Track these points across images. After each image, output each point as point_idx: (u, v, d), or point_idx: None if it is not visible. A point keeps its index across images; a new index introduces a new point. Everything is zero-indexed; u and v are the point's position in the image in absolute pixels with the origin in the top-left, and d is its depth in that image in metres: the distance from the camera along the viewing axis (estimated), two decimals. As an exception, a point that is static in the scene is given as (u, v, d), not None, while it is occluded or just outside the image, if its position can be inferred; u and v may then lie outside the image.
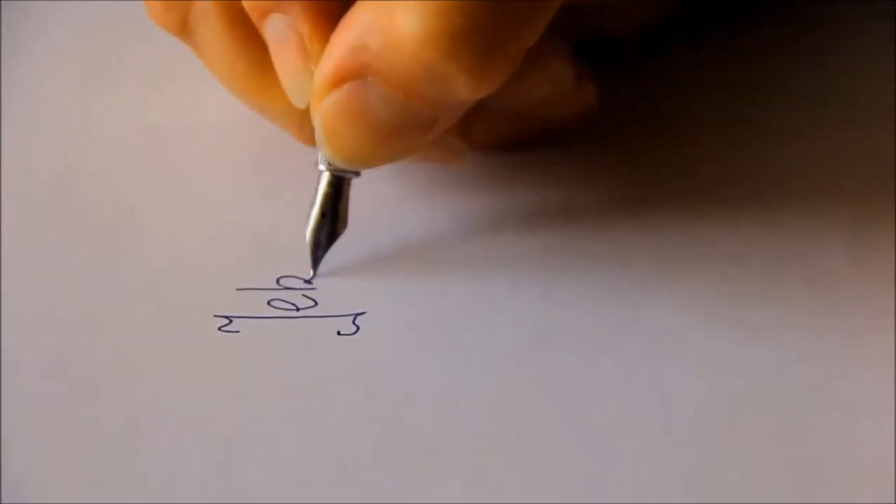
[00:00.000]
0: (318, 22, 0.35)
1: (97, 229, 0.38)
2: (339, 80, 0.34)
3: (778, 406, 0.33)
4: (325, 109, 0.34)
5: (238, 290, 0.36)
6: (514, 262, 0.37)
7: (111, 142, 0.41)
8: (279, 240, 0.37)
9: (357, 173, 0.36)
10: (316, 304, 0.36)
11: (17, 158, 0.40)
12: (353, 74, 0.34)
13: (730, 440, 0.33)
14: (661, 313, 0.36)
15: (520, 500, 0.32)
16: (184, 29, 0.37)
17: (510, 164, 0.40)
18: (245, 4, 0.35)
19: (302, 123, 0.36)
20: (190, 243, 0.38)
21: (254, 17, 0.35)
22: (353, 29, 0.34)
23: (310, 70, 0.35)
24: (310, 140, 0.36)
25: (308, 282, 0.37)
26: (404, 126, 0.34)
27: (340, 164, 0.36)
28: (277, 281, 0.37)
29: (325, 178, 0.36)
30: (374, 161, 0.35)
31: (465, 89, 0.33)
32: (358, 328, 0.35)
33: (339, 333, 0.35)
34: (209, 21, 0.37)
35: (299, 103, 0.35)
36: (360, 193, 0.37)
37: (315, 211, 0.37)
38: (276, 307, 0.36)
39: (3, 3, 0.45)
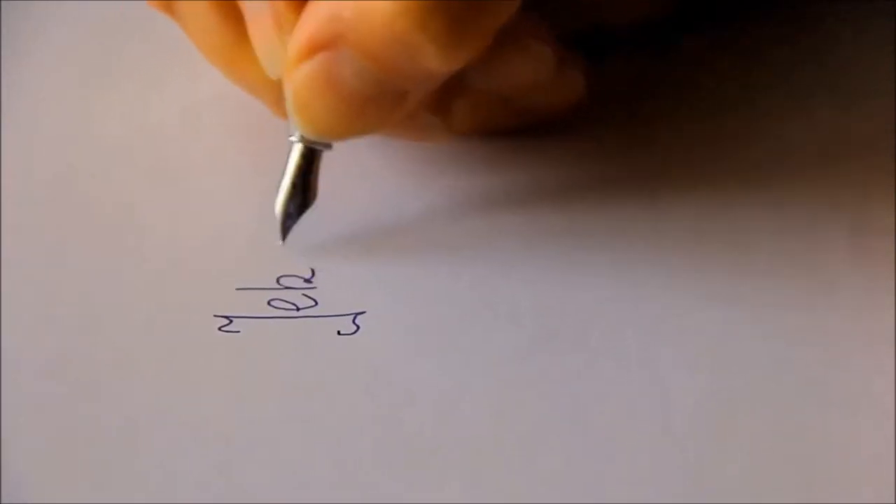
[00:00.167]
0: None
1: (97, 229, 0.38)
2: (311, 50, 0.34)
3: (778, 403, 0.33)
4: (297, 79, 0.34)
5: (238, 290, 0.36)
6: (511, 252, 0.37)
7: (111, 142, 0.41)
8: (279, 240, 0.37)
9: (329, 146, 0.36)
10: (316, 303, 0.36)
11: (17, 158, 0.40)
12: (326, 45, 0.34)
13: (729, 438, 0.33)
14: (659, 304, 0.36)
15: (520, 499, 0.32)
16: (167, 2, 0.37)
17: (508, 149, 0.40)
18: None
19: (279, 97, 0.36)
20: (190, 243, 0.38)
21: None
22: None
23: (284, 41, 0.35)
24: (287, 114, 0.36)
25: (308, 280, 0.37)
26: (375, 98, 0.34)
27: (312, 136, 0.36)
28: (277, 281, 0.37)
29: (297, 149, 0.36)
30: (344, 133, 0.35)
31: (434, 60, 0.33)
32: (358, 328, 0.35)
33: (339, 333, 0.35)
34: None
35: (273, 74, 0.36)
36: (354, 183, 0.37)
37: (286, 182, 0.37)
38: (276, 307, 0.36)
39: (3, 3, 0.45)
